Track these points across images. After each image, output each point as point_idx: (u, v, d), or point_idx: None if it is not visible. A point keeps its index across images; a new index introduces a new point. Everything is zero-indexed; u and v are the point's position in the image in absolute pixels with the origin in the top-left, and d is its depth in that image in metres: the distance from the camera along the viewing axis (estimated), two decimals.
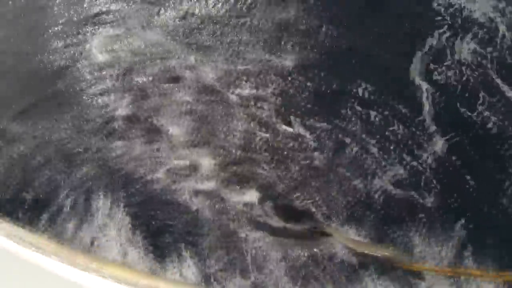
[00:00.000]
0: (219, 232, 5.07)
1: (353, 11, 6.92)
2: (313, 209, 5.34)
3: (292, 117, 6.02)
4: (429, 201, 5.49)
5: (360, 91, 6.11)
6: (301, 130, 5.95)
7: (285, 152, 5.80)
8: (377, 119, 5.96)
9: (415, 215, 5.36)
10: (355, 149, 5.78)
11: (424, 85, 6.19)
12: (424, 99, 6.11)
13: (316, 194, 5.51)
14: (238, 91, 6.21)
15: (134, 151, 5.72)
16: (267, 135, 5.88)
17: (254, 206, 5.35)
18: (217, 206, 5.32)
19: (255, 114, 6.04)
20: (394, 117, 5.98)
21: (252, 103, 6.12)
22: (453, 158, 5.83)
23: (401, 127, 5.93)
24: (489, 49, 6.53)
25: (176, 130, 5.91)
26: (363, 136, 5.87)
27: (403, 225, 5.27)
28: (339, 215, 5.36)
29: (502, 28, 6.71)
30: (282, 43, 6.58)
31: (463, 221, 5.31)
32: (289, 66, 6.35)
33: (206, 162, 5.66)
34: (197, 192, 5.41)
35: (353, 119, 5.98)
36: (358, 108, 6.03)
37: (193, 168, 5.60)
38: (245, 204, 5.36)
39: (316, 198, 5.46)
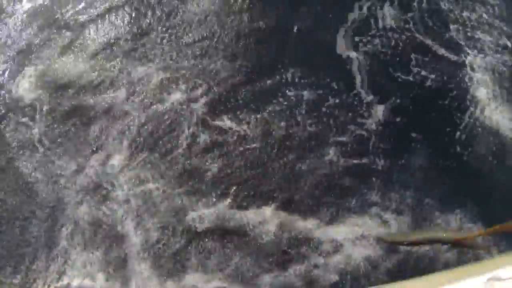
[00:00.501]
0: None
1: None
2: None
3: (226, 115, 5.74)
4: (380, 164, 5.27)
5: (289, 75, 5.92)
6: (239, 125, 5.65)
7: (228, 147, 5.47)
8: (311, 98, 5.72)
9: (370, 180, 5.20)
10: (298, 132, 5.59)
11: (353, 57, 6.02)
12: (355, 70, 5.93)
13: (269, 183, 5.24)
14: (172, 96, 6.00)
15: None
16: (207, 134, 5.58)
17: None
18: None
19: (190, 115, 5.78)
20: (329, 94, 5.74)
21: (185, 106, 5.88)
22: (397, 119, 5.58)
23: (337, 101, 5.69)
24: (410, 14, 6.46)
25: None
26: (299, 118, 5.60)
27: (360, 193, 5.13)
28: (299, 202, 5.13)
29: None
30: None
31: (416, 177, 5.21)
32: (217, 64, 6.19)
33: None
34: None
35: (285, 103, 5.72)
36: (290, 92, 5.80)
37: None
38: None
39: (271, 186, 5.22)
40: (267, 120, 5.65)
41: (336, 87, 5.82)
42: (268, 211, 5.03)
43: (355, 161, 5.41)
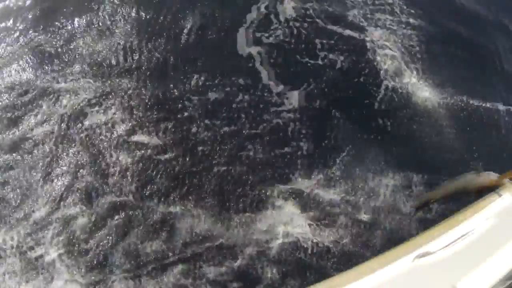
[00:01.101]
0: None
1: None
2: None
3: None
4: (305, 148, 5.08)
5: (193, 80, 5.61)
6: (154, 137, 5.20)
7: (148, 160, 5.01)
8: (219, 98, 5.40)
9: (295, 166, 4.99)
10: (212, 133, 5.22)
11: (255, 52, 5.83)
12: (258, 64, 5.71)
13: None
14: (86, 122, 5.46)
15: None
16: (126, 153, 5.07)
17: None
18: None
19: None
20: (237, 91, 5.46)
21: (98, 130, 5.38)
22: (314, 103, 5.47)
23: (246, 97, 5.39)
24: (310, 3, 6.44)
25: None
26: (210, 120, 5.23)
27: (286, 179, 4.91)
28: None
29: None
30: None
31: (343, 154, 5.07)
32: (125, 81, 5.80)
33: None
34: None
35: (193, 108, 5.36)
36: (195, 97, 5.46)
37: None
38: None
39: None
40: (180, 128, 5.20)
41: (243, 83, 5.56)
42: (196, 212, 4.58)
43: (277, 151, 5.02)
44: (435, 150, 5.44)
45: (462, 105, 6.00)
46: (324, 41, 6.04)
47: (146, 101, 5.56)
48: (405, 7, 7.13)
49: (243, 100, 5.44)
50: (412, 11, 7.11)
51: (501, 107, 6.16)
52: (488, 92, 6.31)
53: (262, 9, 6.34)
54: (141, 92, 5.62)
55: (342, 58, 5.93)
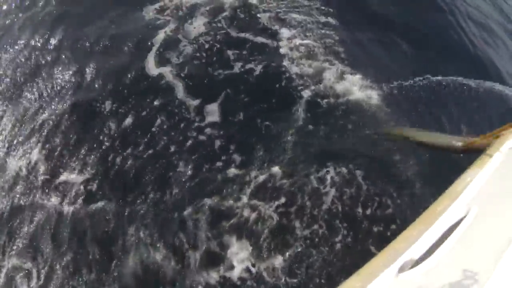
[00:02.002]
0: None
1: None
2: None
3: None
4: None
5: (107, 107, 5.28)
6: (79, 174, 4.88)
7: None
8: (131, 121, 5.07)
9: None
10: (135, 161, 4.92)
11: (166, 71, 5.59)
12: (173, 82, 5.47)
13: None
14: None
15: None
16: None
17: None
18: None
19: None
20: (153, 113, 5.15)
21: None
22: (236, 114, 5.32)
23: (164, 118, 5.09)
24: (220, 15, 6.32)
25: None
26: (131, 148, 4.87)
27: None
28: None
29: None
30: None
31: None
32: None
33: None
34: None
35: (112, 137, 5.01)
36: (113, 124, 5.12)
37: None
38: None
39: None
40: (103, 162, 4.87)
41: (158, 104, 5.22)
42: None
43: (207, 166, 4.82)
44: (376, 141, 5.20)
45: (394, 89, 5.85)
46: (238, 52, 5.90)
47: (66, 138, 5.22)
48: (322, 7, 7.12)
49: (162, 122, 5.15)
50: (330, 9, 7.10)
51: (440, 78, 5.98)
52: (420, 68, 6.23)
53: (169, 32, 6.13)
54: (60, 129, 5.26)
55: (259, 66, 5.82)
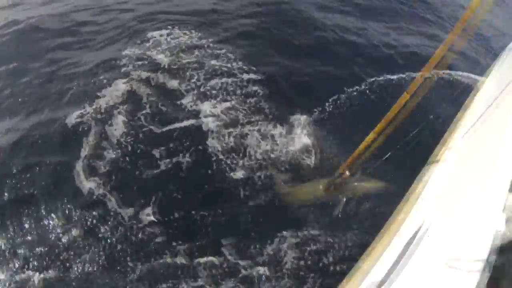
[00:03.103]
0: None
1: None
2: None
3: None
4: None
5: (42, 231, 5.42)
6: None
7: None
8: (72, 238, 5.33)
9: None
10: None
11: (96, 184, 5.82)
12: (104, 194, 5.71)
13: None
14: None
15: None
16: None
17: None
18: None
19: None
20: (95, 227, 5.36)
21: None
22: (175, 213, 5.55)
23: (105, 231, 5.37)
24: (140, 112, 6.47)
25: None
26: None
27: None
28: None
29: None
30: None
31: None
32: None
33: None
34: None
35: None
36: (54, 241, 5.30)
37: None
38: None
39: None
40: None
41: (95, 217, 5.45)
42: None
43: (155, 261, 5.12)
44: None
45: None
46: (162, 147, 6.09)
47: None
48: (244, 67, 7.31)
49: (104, 236, 5.30)
50: (253, 67, 7.30)
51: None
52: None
53: (92, 139, 6.26)
54: None
55: (186, 157, 6.03)
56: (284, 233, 5.27)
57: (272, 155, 6.08)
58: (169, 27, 9.24)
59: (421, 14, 12.07)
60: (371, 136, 4.20)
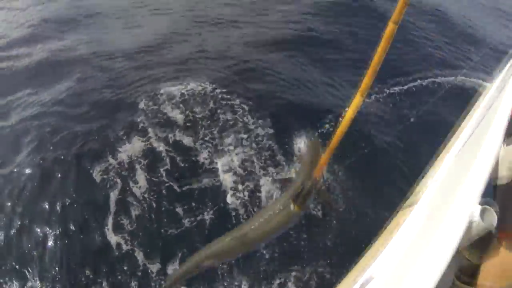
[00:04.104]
0: None
1: None
2: None
3: None
4: None
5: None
6: None
7: None
8: None
9: None
10: None
11: (124, 240, 6.27)
12: (131, 249, 6.12)
13: None
14: None
15: None
16: None
17: None
18: None
19: None
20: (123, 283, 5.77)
21: None
22: None
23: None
24: (161, 168, 6.98)
25: None
26: None
27: None
28: None
29: None
30: None
31: None
32: None
33: None
34: None
35: None
36: None
37: None
38: None
39: None
40: None
41: (123, 275, 5.91)
42: None
43: None
44: None
45: None
46: (185, 205, 6.58)
47: None
48: (260, 121, 7.88)
49: None
50: (262, 120, 7.87)
51: None
52: None
53: (117, 196, 6.75)
54: None
55: (208, 214, 6.53)
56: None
57: None
58: (182, 77, 9.78)
59: None
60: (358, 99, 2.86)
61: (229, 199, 6.74)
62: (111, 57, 11.36)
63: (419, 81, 9.86)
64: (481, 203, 2.35)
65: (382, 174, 7.71)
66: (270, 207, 3.73)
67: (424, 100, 9.04)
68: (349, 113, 2.78)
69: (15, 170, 7.30)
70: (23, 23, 13.99)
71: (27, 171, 7.27)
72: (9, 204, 6.73)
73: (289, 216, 3.60)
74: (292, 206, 3.54)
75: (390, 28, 2.40)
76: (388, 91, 9.25)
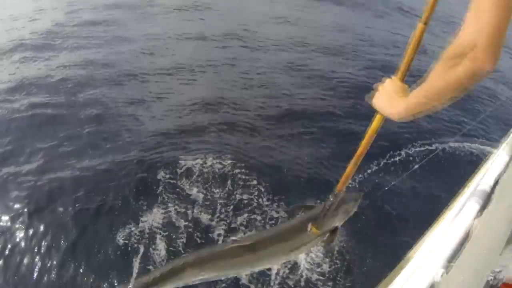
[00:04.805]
0: None
1: None
2: None
3: None
4: None
5: None
6: None
7: None
8: None
9: None
10: None
11: None
12: None
13: None
14: None
15: None
16: None
17: None
18: None
19: None
20: None
21: None
22: None
23: None
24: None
25: None
26: None
27: None
28: None
29: None
30: None
31: None
32: None
33: None
34: None
35: None
36: None
37: None
38: None
39: None
40: None
41: None
42: None
43: None
44: None
45: None
46: None
47: None
48: (274, 204, 8.50)
49: None
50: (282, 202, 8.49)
51: None
52: None
53: (139, 261, 7.26)
54: None
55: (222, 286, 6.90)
56: None
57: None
58: (201, 154, 10.31)
59: None
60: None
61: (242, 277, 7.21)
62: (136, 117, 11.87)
63: None
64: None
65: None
66: (285, 225, 3.45)
67: None
68: (379, 117, 2.83)
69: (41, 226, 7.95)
70: None
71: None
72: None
73: (307, 238, 3.27)
74: (309, 227, 3.23)
75: (419, 28, 2.50)
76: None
